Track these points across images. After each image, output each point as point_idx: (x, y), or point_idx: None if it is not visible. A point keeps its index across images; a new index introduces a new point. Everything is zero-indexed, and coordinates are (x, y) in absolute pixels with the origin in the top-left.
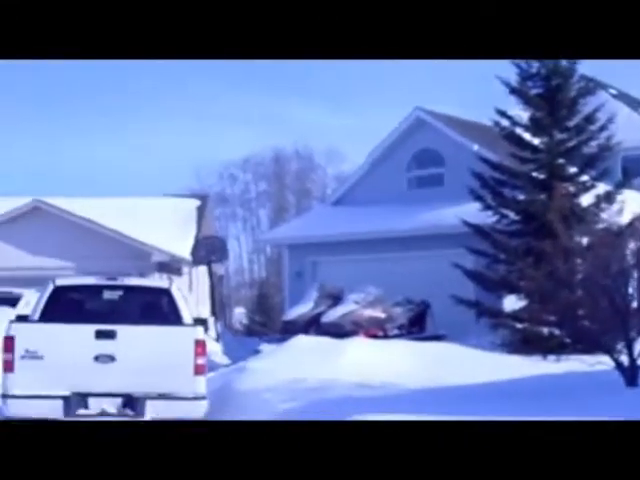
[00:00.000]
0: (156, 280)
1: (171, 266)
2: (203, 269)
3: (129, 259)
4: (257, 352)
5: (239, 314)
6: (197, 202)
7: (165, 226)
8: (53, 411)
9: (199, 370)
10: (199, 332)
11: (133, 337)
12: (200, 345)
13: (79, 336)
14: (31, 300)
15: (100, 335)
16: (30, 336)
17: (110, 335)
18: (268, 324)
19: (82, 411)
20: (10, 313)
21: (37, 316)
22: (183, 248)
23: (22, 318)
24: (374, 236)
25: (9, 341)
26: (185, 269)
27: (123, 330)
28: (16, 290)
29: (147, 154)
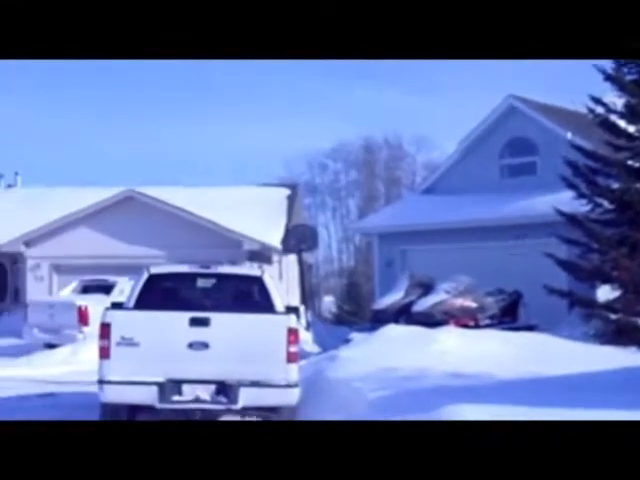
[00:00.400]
0: (248, 268)
1: (262, 254)
2: (293, 258)
3: (220, 247)
4: (348, 341)
5: (328, 303)
6: (287, 191)
7: (256, 215)
8: (148, 397)
9: (292, 358)
10: (292, 320)
11: (226, 325)
12: (293, 333)
13: (174, 323)
14: (125, 288)
15: (194, 322)
16: (126, 323)
17: (204, 322)
18: (358, 313)
19: (176, 397)
20: (105, 300)
21: (132, 303)
22: (273, 237)
23: (117, 305)
24: (465, 225)
25: (105, 328)
26: (275, 257)
27: (217, 318)
28: (110, 278)
29: (236, 143)
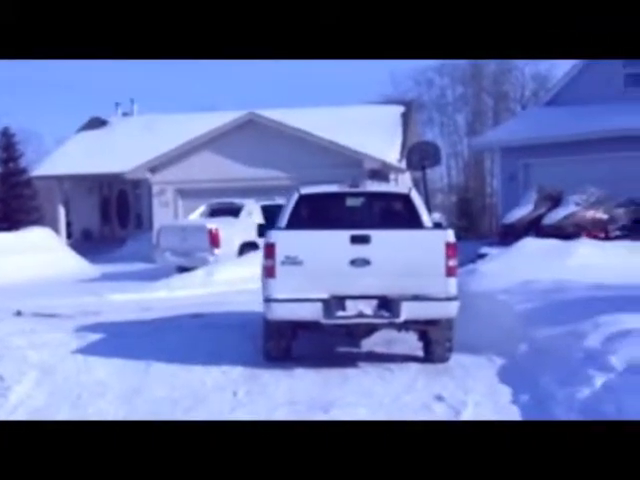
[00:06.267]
0: (395, 186)
1: (381, 173)
2: (407, 176)
3: (341, 167)
4: (482, 256)
5: (437, 218)
6: (401, 108)
7: (373, 133)
8: (313, 313)
9: (451, 272)
10: (449, 235)
11: (386, 241)
12: (451, 247)
13: (335, 241)
14: (252, 210)
15: (355, 240)
16: (289, 242)
17: (365, 240)
18: (470, 228)
19: (341, 313)
20: (233, 222)
21: (284, 224)
22: (391, 155)
23: (261, 227)
24: (592, 136)
25: (270, 248)
26: (392, 175)
27: (376, 235)
28: (237, 200)
29: (342, 61)
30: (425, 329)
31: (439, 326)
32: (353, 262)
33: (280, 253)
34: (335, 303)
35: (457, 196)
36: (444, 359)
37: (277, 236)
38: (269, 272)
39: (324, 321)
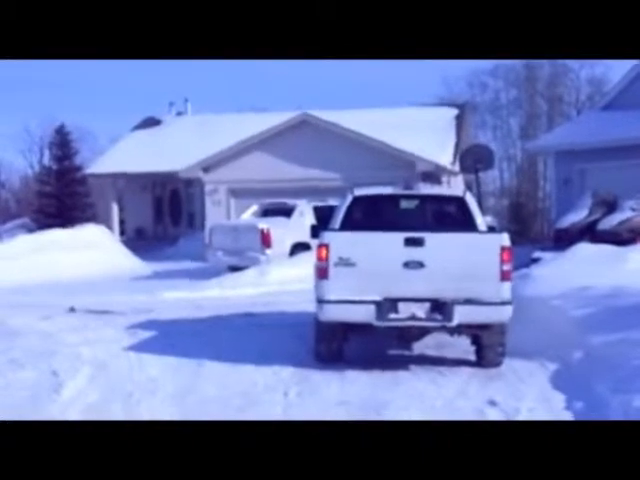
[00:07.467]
0: (449, 189)
1: (434, 175)
2: (459, 179)
3: (394, 169)
4: (536, 260)
5: (490, 222)
6: (455, 111)
7: (426, 135)
8: (366, 315)
9: (505, 276)
10: (505, 239)
11: (440, 244)
12: (506, 251)
13: (389, 244)
14: (304, 210)
15: (409, 242)
16: (343, 244)
17: (419, 242)
18: (524, 232)
19: (393, 315)
20: (286, 223)
21: (337, 225)
22: (444, 157)
23: (314, 228)
24: None
25: (324, 249)
26: (444, 178)
27: (431, 237)
28: (289, 201)
29: (395, 62)
30: (478, 333)
31: (492, 330)
32: (407, 264)
33: (334, 254)
34: (388, 305)
35: (509, 200)
36: (496, 364)
37: (331, 237)
38: (322, 273)
39: (376, 323)
